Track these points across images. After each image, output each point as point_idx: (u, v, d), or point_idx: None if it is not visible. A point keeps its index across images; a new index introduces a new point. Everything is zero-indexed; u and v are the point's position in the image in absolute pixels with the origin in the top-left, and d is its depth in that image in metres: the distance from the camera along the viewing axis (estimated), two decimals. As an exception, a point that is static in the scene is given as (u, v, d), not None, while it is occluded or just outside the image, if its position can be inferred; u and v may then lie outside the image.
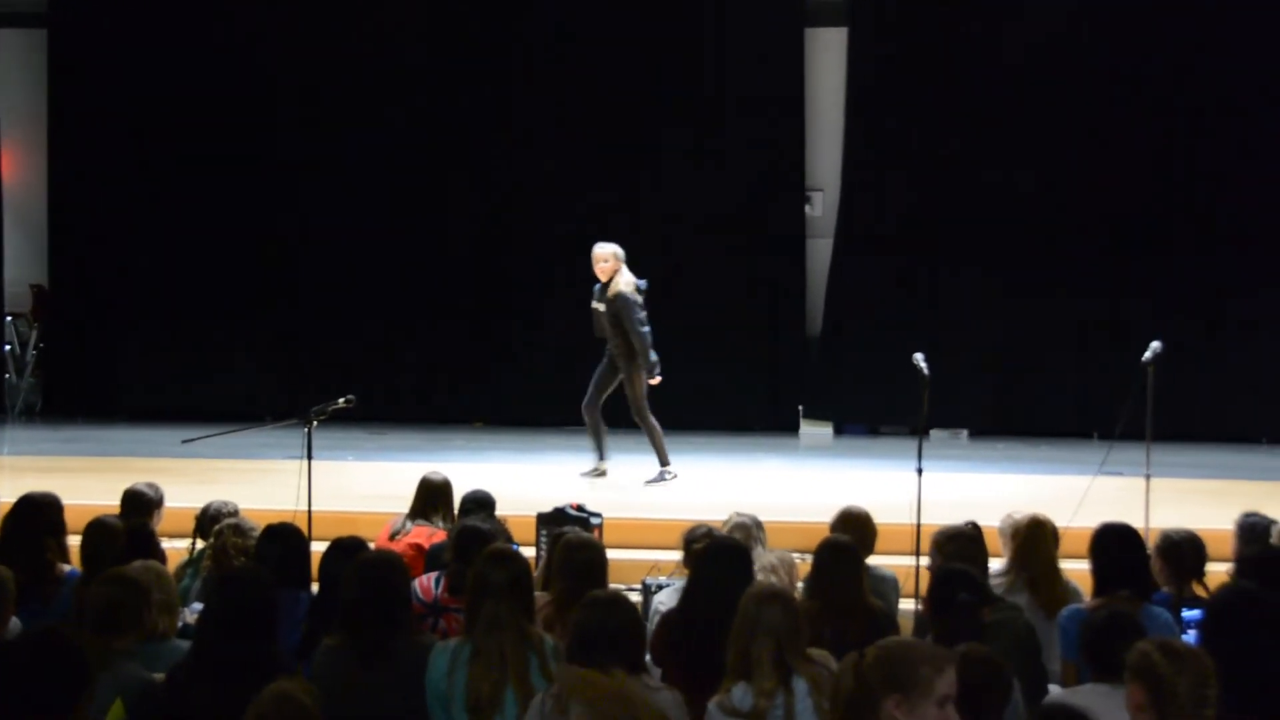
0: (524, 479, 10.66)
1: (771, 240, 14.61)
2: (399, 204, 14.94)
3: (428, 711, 4.79)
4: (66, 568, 6.37)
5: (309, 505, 7.73)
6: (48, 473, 10.61)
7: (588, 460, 11.16)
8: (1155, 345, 8.42)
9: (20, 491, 6.87)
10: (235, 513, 7.05)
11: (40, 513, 6.57)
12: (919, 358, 8.36)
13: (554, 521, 7.89)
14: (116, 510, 7.14)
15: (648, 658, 4.88)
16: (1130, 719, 3.99)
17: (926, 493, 7.79)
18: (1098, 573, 5.77)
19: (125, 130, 15.16)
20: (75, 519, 6.77)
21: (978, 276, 14.13)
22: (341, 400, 8.33)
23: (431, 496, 7.61)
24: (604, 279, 10.76)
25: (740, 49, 14.60)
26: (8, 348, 15.59)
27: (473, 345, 14.84)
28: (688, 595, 5.43)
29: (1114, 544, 5.79)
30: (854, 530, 6.52)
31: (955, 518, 6.49)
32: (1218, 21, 13.86)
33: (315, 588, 6.12)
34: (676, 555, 6.72)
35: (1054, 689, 5.31)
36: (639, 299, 10.65)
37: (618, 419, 11.22)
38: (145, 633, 5.09)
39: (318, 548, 6.25)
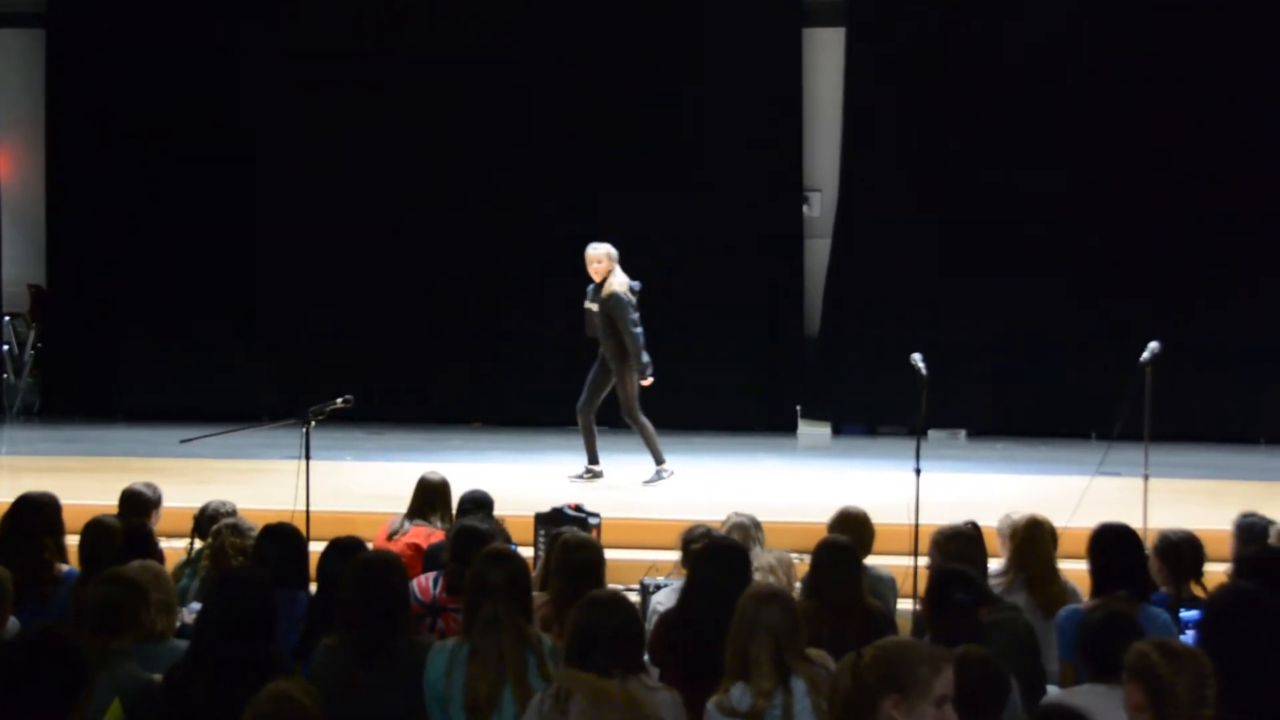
0: (522, 479, 10.66)
1: (770, 240, 14.61)
2: (399, 204, 14.93)
3: (426, 711, 4.78)
4: (64, 567, 6.36)
5: (307, 505, 7.74)
6: (46, 472, 10.60)
7: (579, 462, 11.15)
8: (1153, 345, 8.42)
9: (18, 491, 6.86)
10: (233, 513, 7.05)
11: (38, 512, 6.56)
12: (917, 358, 8.35)
13: (552, 521, 7.89)
14: (114, 510, 7.13)
15: (646, 658, 4.87)
16: (1128, 719, 3.99)
17: (925, 493, 7.78)
18: (1096, 573, 5.77)
19: (123, 130, 15.15)
20: (73, 519, 6.76)
21: (976, 276, 14.11)
22: (339, 400, 8.34)
23: (429, 496, 7.62)
24: (598, 279, 10.75)
25: (739, 49, 14.59)
26: (6, 348, 15.59)
27: (471, 345, 14.82)
28: (686, 595, 5.43)
29: (1112, 544, 5.78)
30: (852, 530, 6.52)
31: (953, 518, 6.48)
32: (1218, 21, 13.86)
33: (313, 588, 6.12)
34: (675, 555, 6.72)
35: (1052, 689, 5.31)
36: (632, 300, 10.64)
37: (609, 420, 11.21)
38: (143, 633, 5.08)
39: (316, 548, 6.25)
